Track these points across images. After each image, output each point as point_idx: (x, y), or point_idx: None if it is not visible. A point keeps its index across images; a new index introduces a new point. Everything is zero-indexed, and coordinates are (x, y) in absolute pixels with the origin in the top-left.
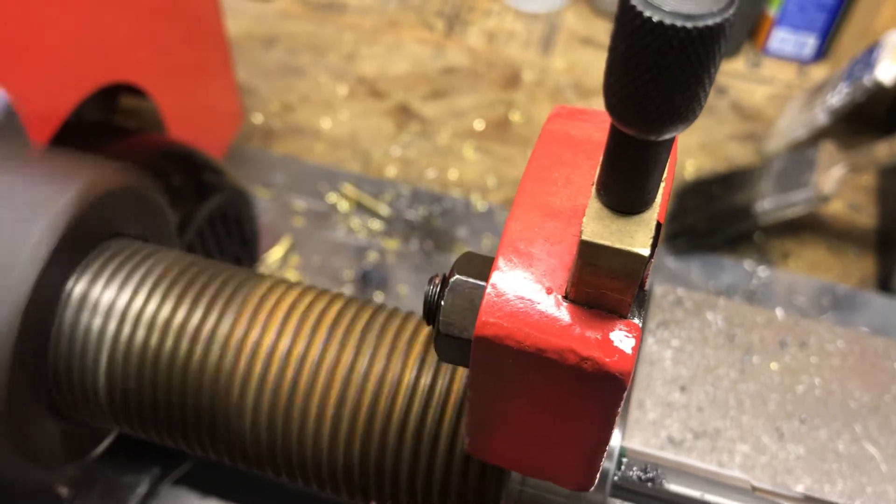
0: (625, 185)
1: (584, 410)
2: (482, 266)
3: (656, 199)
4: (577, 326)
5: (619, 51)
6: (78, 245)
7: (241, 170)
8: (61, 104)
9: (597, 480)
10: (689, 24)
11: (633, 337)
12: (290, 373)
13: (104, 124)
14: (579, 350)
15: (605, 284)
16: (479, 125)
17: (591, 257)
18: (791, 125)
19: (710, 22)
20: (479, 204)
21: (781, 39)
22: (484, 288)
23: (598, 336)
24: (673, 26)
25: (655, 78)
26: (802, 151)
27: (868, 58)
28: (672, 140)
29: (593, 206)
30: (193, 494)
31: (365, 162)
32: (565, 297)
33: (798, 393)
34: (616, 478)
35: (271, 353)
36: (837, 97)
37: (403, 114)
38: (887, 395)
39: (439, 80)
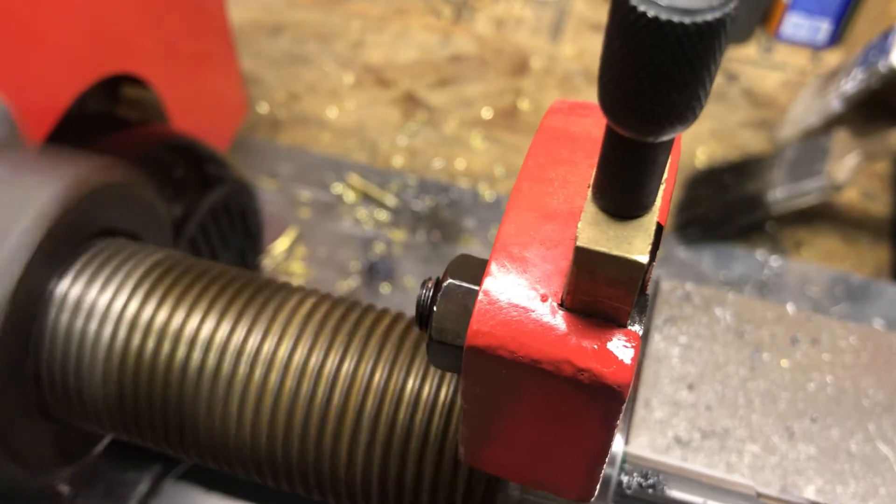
0: (622, 188)
1: (582, 422)
2: (477, 269)
3: (656, 203)
4: (574, 336)
5: (614, 48)
6: (63, 245)
7: (247, 160)
8: (61, 96)
9: (598, 489)
10: (686, 20)
11: (633, 347)
12: (274, 376)
13: (106, 116)
14: (576, 361)
15: (603, 292)
16: (486, 114)
17: (587, 264)
18: (804, 112)
19: (709, 17)
20: (487, 194)
21: (795, 24)
22: (477, 293)
23: (596, 346)
24: (669, 22)
25: (652, 77)
26: (816, 139)
27: (883, 43)
28: (671, 141)
29: (589, 210)
30: (197, 491)
31: (371, 152)
32: (561, 305)
33: (809, 391)
34: (617, 486)
35: (256, 356)
36: (852, 83)
37: (410, 102)
38: None
39: (447, 68)
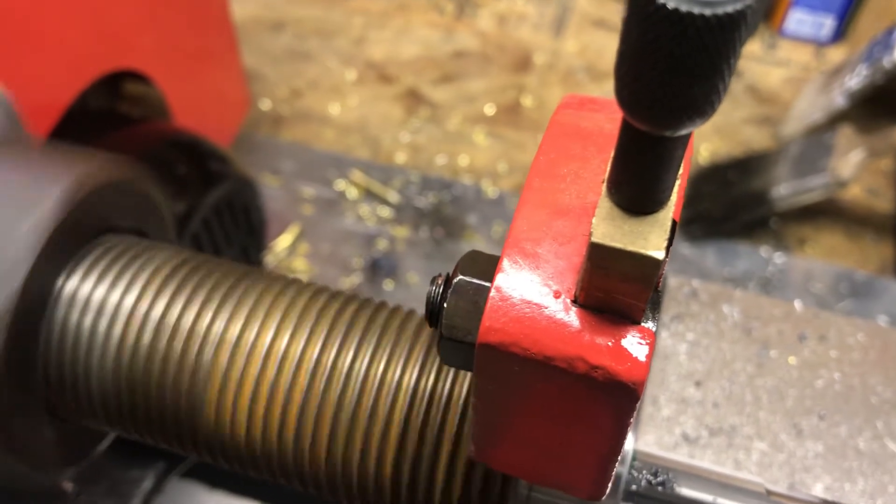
0: (638, 183)
1: (596, 420)
2: (487, 266)
3: (671, 198)
4: (587, 333)
5: (631, 40)
6: (71, 242)
7: (249, 157)
8: (63, 93)
9: (609, 487)
10: (707, 11)
11: (647, 344)
12: (285, 373)
13: (108, 112)
14: (589, 358)
15: (617, 288)
16: (489, 110)
17: (601, 260)
18: (808, 109)
19: (729, 8)
20: (490, 190)
21: (798, 20)
22: (489, 289)
23: (610, 343)
24: (690, 13)
25: (671, 69)
26: (820, 135)
27: (888, 39)
28: (688, 135)
29: (604, 205)
30: (201, 488)
31: (374, 148)
32: (574, 301)
33: (817, 388)
34: (628, 483)
35: (268, 353)
36: (856, 80)
37: (413, 99)
38: None
39: (449, 64)
